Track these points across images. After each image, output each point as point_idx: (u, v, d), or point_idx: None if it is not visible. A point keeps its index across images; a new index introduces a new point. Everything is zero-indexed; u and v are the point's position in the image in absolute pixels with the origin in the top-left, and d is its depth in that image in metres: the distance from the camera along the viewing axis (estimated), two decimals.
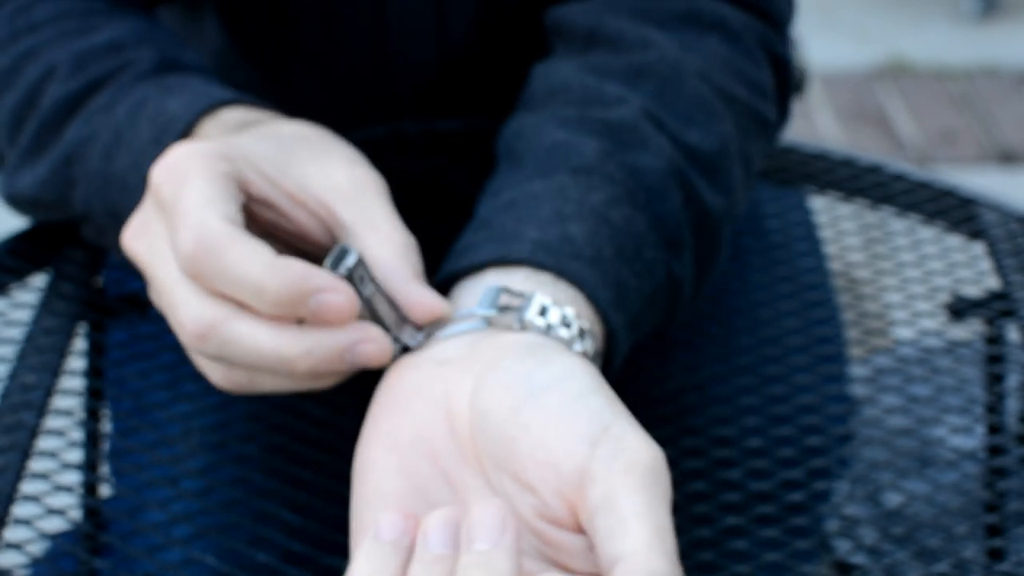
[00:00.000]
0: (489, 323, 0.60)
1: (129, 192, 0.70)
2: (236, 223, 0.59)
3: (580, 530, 0.53)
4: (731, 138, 0.73)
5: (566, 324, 0.60)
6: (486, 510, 0.50)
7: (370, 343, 0.59)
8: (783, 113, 0.82)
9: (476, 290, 0.62)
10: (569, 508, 0.53)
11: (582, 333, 0.60)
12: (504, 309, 0.60)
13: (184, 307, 0.59)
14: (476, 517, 0.50)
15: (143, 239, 0.62)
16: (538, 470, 0.53)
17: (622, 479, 0.51)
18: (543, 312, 0.60)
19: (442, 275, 0.64)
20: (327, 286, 0.58)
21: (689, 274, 0.69)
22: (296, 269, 0.58)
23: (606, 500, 0.51)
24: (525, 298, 0.60)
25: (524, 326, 0.59)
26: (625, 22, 0.76)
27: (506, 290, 0.60)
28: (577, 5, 0.78)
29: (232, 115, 0.69)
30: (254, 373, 0.60)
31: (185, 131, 0.69)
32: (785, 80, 0.81)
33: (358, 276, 0.59)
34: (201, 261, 0.58)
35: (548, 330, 0.59)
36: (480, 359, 0.58)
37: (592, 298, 0.62)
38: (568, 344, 0.59)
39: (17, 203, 0.79)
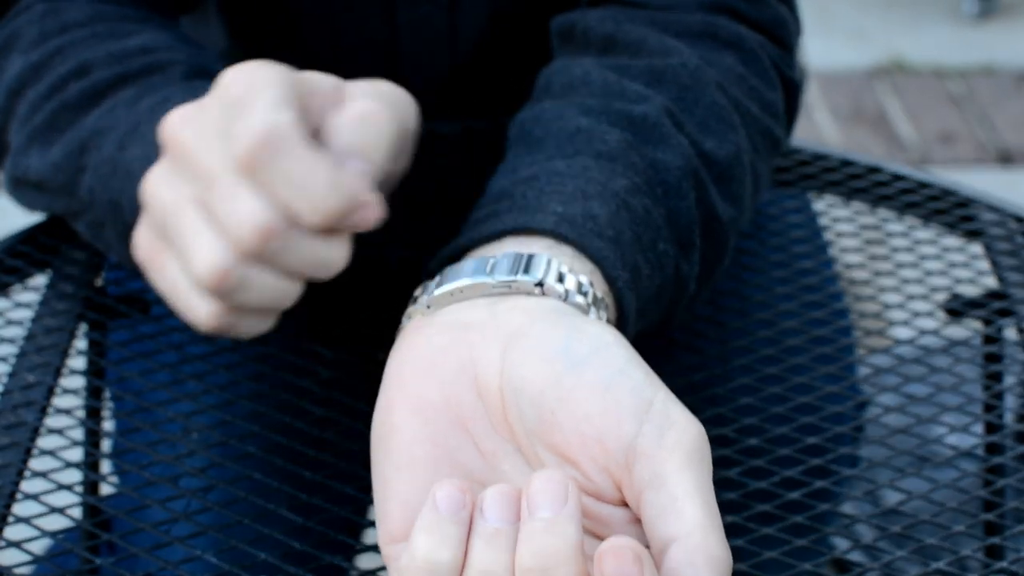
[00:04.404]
0: (509, 286, 0.58)
1: (133, 182, 0.70)
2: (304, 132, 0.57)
3: (620, 503, 0.53)
4: (744, 150, 0.73)
5: (582, 292, 0.59)
6: (549, 479, 0.49)
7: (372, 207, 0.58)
8: (788, 134, 0.82)
9: (495, 257, 0.60)
10: (613, 482, 0.52)
11: (596, 301, 0.60)
12: (516, 270, 0.59)
13: (240, 201, 0.56)
14: (537, 486, 0.49)
15: (192, 127, 0.58)
16: (583, 445, 0.52)
17: (670, 456, 0.51)
18: (560, 279, 0.59)
19: (461, 242, 0.63)
20: (370, 201, 0.57)
21: (694, 275, 0.70)
22: (352, 183, 0.56)
23: (655, 477, 0.50)
24: (545, 263, 0.59)
25: (544, 291, 0.58)
26: (646, 30, 0.76)
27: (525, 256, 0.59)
28: (592, 12, 0.78)
29: None
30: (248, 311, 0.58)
31: None
32: (794, 104, 0.81)
33: None
34: (264, 156, 0.55)
35: (566, 296, 0.58)
36: (506, 325, 0.56)
37: (609, 277, 0.62)
38: (585, 311, 0.59)
39: (22, 186, 0.77)
